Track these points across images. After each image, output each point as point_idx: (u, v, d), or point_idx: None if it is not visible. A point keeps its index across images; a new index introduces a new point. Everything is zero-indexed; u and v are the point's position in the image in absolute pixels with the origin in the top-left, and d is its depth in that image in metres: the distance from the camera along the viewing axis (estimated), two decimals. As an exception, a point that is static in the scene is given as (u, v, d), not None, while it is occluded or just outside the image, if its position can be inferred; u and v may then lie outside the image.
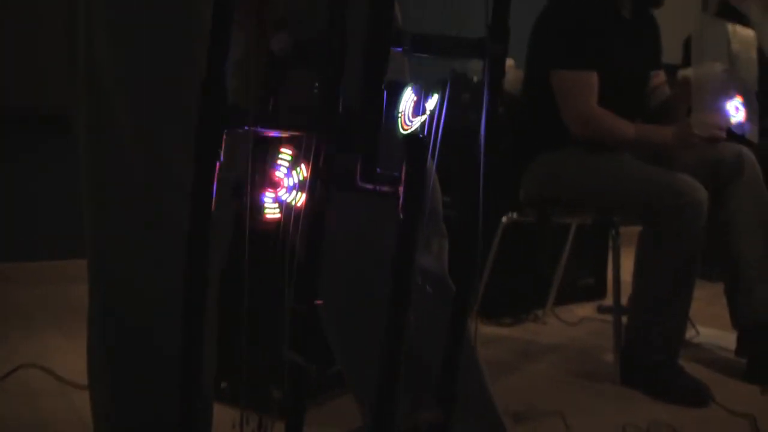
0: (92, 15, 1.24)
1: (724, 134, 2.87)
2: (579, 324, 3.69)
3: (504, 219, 3.19)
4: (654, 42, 3.22)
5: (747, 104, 2.90)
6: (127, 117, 1.23)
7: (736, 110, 2.89)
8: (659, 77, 3.22)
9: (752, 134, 2.97)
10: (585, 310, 3.93)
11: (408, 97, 1.02)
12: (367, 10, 0.91)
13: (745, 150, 3.04)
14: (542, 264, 3.81)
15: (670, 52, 3.45)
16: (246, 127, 0.82)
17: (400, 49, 0.95)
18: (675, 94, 3.13)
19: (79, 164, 1.31)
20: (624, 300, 3.03)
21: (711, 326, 3.52)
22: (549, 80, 2.99)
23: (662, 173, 2.87)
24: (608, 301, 3.93)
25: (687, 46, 3.44)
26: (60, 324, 3.33)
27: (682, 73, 3.05)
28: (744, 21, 3.61)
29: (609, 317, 3.24)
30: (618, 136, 2.94)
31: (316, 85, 0.92)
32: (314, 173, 0.92)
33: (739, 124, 2.91)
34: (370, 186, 0.93)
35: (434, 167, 1.10)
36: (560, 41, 2.98)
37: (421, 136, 0.92)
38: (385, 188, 0.93)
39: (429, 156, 0.95)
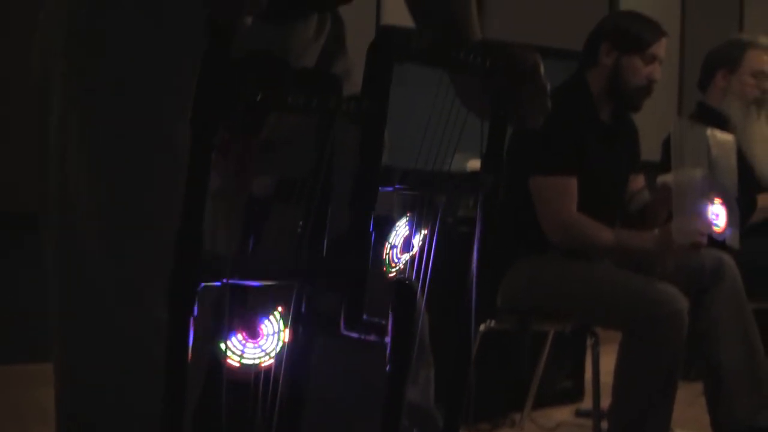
0: (66, 132, 1.18)
1: (705, 240, 2.84)
2: (556, 429, 3.61)
3: (482, 327, 3.13)
4: (632, 145, 3.21)
5: (728, 210, 2.89)
6: (99, 242, 1.17)
7: (716, 216, 2.88)
8: (638, 181, 3.21)
9: (733, 240, 2.96)
10: (562, 413, 3.86)
11: (399, 233, 0.98)
12: (356, 147, 0.88)
13: (726, 257, 3.02)
14: (520, 368, 3.75)
15: (649, 151, 3.46)
16: (223, 280, 0.77)
17: (390, 189, 0.91)
18: (655, 200, 3.12)
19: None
20: (603, 403, 2.97)
21: (691, 430, 3.46)
22: (528, 185, 2.96)
23: (642, 282, 2.83)
24: (586, 403, 3.87)
25: (666, 146, 3.44)
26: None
27: (662, 178, 3.03)
28: (723, 120, 3.63)
29: (586, 421, 3.16)
30: (597, 242, 2.91)
31: (300, 224, 0.88)
32: (296, 320, 0.87)
33: (721, 230, 2.89)
34: (354, 334, 0.88)
35: (423, 304, 1.05)
36: (539, 146, 2.96)
37: (408, 282, 0.86)
38: (372, 337, 0.88)
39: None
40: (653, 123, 3.97)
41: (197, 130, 0.73)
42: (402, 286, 0.86)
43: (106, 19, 1.15)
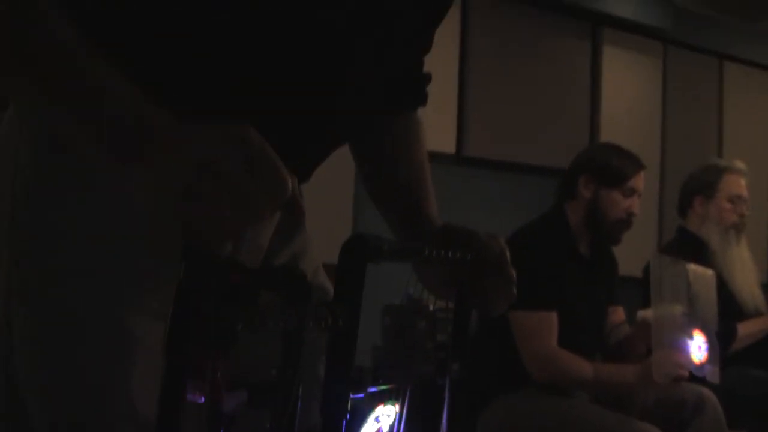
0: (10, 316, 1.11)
1: (686, 374, 2.83)
2: None
3: (461, 464, 3.08)
4: (611, 277, 3.22)
5: (708, 345, 2.89)
6: (40, 415, 1.10)
7: (698, 349, 2.88)
8: (617, 313, 3.20)
9: (713, 375, 2.95)
10: None
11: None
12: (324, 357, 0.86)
13: (706, 391, 3.00)
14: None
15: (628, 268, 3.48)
16: None
17: (361, 396, 0.89)
18: (634, 334, 3.10)
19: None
20: None
21: None
22: (507, 320, 2.94)
23: (620, 421, 2.81)
24: None
25: (646, 275, 3.44)
26: None
27: (642, 314, 3.03)
28: (703, 245, 3.65)
29: None
30: (577, 377, 2.89)
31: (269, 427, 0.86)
32: None
33: (700, 365, 2.88)
34: None
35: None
36: (519, 281, 2.94)
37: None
38: None
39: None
40: (633, 243, 4.00)
41: (172, 359, 0.72)
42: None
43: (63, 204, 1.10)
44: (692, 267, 2.99)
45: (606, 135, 6.20)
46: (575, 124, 6.14)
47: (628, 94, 6.38)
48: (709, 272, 3.08)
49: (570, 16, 6.06)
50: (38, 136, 1.10)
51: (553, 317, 2.91)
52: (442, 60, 4.72)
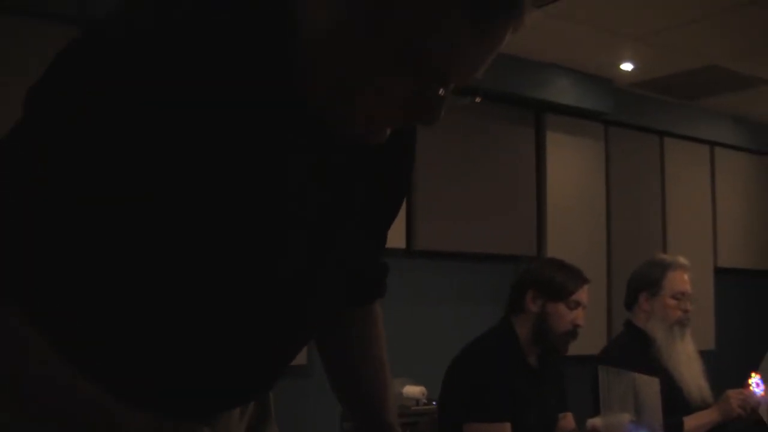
0: None
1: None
2: None
3: None
4: (560, 386, 3.32)
5: (655, 450, 2.97)
6: None
7: (647, 452, 2.95)
8: (567, 419, 3.29)
9: (660, 480, 3.02)
10: None
11: None
12: None
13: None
14: None
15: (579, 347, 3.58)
16: None
17: None
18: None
19: None
20: None
21: None
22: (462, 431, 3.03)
23: None
24: None
25: (594, 384, 3.53)
26: None
27: (591, 422, 3.11)
28: (649, 340, 3.74)
29: None
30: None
31: None
32: None
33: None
34: None
35: None
36: (471, 394, 3.04)
37: None
38: None
39: None
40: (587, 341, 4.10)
41: None
42: None
43: None
44: (637, 376, 3.08)
45: (553, 217, 6.35)
46: (522, 209, 6.26)
47: (572, 176, 6.54)
48: (655, 379, 3.17)
49: (513, 105, 6.22)
50: None
51: (506, 428, 3.00)
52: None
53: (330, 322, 1.49)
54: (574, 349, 4.76)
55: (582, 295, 3.17)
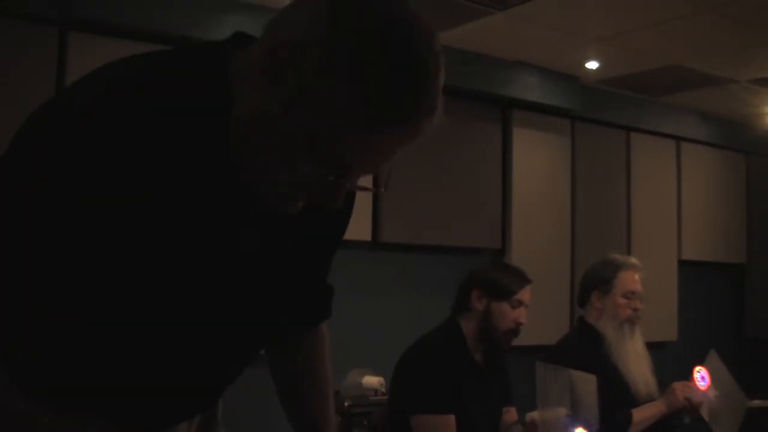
0: None
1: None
2: None
3: None
4: (504, 380, 3.49)
5: (591, 442, 3.12)
6: None
7: (583, 445, 3.10)
8: (511, 413, 3.46)
9: (597, 469, 3.17)
10: None
11: None
12: None
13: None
14: None
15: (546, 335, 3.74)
16: None
17: None
18: (525, 433, 3.36)
19: None
20: None
21: None
22: (409, 421, 3.18)
23: None
24: None
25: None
26: None
27: (530, 415, 3.26)
28: (600, 337, 3.88)
29: None
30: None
31: None
32: None
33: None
34: None
35: None
36: (418, 388, 3.20)
37: None
38: None
39: None
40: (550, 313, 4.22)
41: None
42: None
43: None
44: (573, 373, 3.23)
45: (519, 211, 6.43)
46: (488, 203, 6.34)
47: (539, 170, 6.62)
48: (591, 377, 3.31)
49: (480, 101, 6.28)
50: None
51: (451, 419, 3.15)
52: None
53: (279, 342, 1.65)
54: (537, 339, 4.95)
55: (524, 294, 3.33)
